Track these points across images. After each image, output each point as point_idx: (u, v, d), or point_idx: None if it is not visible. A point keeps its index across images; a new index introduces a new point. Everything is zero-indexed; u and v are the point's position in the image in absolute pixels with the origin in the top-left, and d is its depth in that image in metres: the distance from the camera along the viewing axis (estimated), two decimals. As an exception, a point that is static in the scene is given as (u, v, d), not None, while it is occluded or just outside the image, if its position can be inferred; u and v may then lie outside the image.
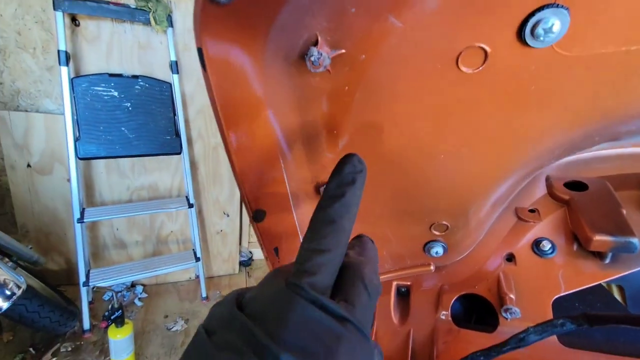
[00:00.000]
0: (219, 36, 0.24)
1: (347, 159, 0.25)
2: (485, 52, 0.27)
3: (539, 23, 0.24)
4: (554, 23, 0.24)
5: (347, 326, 0.19)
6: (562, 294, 0.41)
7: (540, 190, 0.50)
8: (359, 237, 0.27)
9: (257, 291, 0.21)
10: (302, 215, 0.40)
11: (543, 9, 0.24)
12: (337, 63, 0.28)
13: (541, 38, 0.25)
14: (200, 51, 0.24)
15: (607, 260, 0.41)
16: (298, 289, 0.19)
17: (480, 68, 0.28)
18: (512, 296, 0.41)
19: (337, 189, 0.24)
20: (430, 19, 0.26)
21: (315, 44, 0.27)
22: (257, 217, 0.35)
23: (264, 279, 0.23)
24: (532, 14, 0.24)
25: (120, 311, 1.41)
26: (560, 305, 0.41)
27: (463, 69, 0.28)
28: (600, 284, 0.43)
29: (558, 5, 0.24)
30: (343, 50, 0.28)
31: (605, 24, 0.25)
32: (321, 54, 0.26)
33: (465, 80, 0.29)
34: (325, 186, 0.25)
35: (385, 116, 0.32)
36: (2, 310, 1.23)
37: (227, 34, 0.24)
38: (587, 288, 0.41)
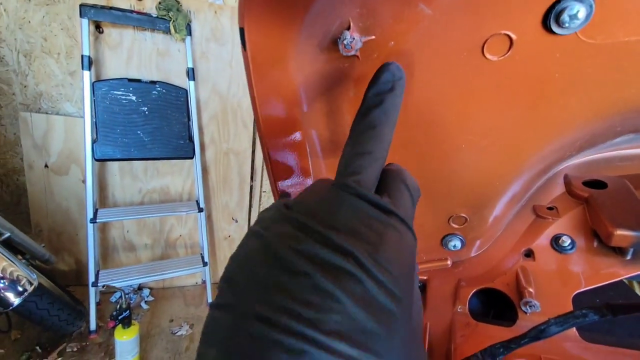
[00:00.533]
0: (261, 18, 0.26)
1: (384, 67, 0.26)
2: (511, 39, 0.28)
3: (564, 10, 0.26)
4: (579, 10, 0.25)
5: (393, 218, 0.20)
6: (582, 290, 0.41)
7: (558, 189, 0.51)
8: (390, 164, 0.28)
9: (303, 195, 0.22)
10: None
11: (568, -4, 0.25)
12: (366, 50, 0.30)
13: (566, 25, 0.26)
14: (242, 31, 0.26)
15: (629, 257, 0.41)
16: (345, 187, 0.20)
17: (506, 55, 0.29)
18: (531, 290, 0.41)
19: (375, 97, 0.25)
20: (458, 7, 0.27)
21: (348, 28, 0.28)
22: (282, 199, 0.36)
23: (307, 188, 0.23)
24: (557, 2, 0.26)
25: (128, 311, 1.41)
26: (580, 301, 0.41)
27: (488, 56, 0.29)
28: (621, 281, 0.42)
29: (583, -8, 0.25)
30: (373, 37, 0.29)
31: (630, 13, 0.26)
32: (354, 38, 0.28)
33: (490, 67, 0.30)
34: (364, 95, 0.26)
35: (410, 103, 0.33)
36: (14, 306, 1.24)
37: (268, 16, 0.26)
38: (608, 284, 0.41)
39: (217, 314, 0.18)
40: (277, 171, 0.34)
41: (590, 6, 0.25)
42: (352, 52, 0.28)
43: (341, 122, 0.36)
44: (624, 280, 0.45)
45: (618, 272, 0.41)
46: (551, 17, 0.26)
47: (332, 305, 0.16)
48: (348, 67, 0.31)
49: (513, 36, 0.28)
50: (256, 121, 0.31)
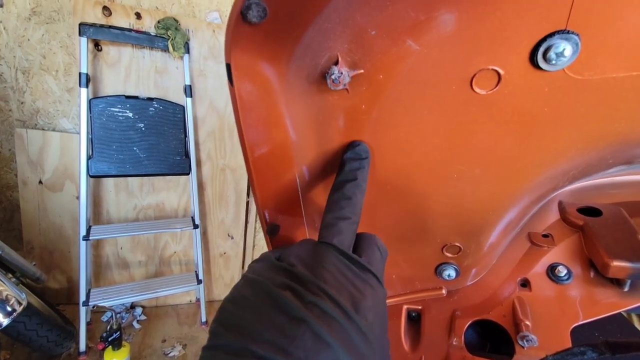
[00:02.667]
0: (247, 54, 0.26)
1: (353, 148, 0.32)
2: (499, 74, 0.28)
3: (550, 48, 0.26)
4: (565, 48, 0.25)
5: (369, 275, 0.24)
6: (580, 323, 0.40)
7: (553, 215, 0.50)
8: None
9: (291, 250, 0.26)
10: (315, 233, 0.40)
11: (554, 35, 0.25)
12: (355, 83, 0.30)
13: (553, 62, 0.26)
14: (228, 67, 0.26)
15: (627, 288, 0.40)
16: (328, 246, 0.25)
17: (494, 90, 0.29)
18: (528, 323, 0.40)
19: (349, 173, 0.31)
20: (446, 43, 0.27)
21: (336, 63, 0.28)
22: (271, 231, 0.35)
23: (294, 245, 0.27)
24: (543, 39, 0.26)
25: (118, 333, 1.37)
26: (579, 334, 0.40)
27: (477, 90, 0.29)
28: (620, 313, 0.41)
29: (569, 31, 0.25)
30: (362, 71, 0.29)
31: (616, 49, 0.26)
32: (342, 73, 0.28)
33: (479, 101, 0.30)
34: (338, 171, 0.32)
35: (400, 135, 0.33)
36: (2, 327, 1.20)
37: (255, 51, 0.26)
38: (606, 317, 0.40)
39: (213, 354, 0.19)
40: (264, 200, 0.34)
41: (577, 44, 0.25)
42: (340, 87, 0.28)
43: (331, 151, 0.35)
44: (622, 313, 0.44)
45: (616, 303, 0.40)
46: (538, 54, 0.26)
47: (322, 347, 0.19)
48: (337, 99, 0.31)
49: (501, 71, 0.28)
50: (243, 154, 0.30)
